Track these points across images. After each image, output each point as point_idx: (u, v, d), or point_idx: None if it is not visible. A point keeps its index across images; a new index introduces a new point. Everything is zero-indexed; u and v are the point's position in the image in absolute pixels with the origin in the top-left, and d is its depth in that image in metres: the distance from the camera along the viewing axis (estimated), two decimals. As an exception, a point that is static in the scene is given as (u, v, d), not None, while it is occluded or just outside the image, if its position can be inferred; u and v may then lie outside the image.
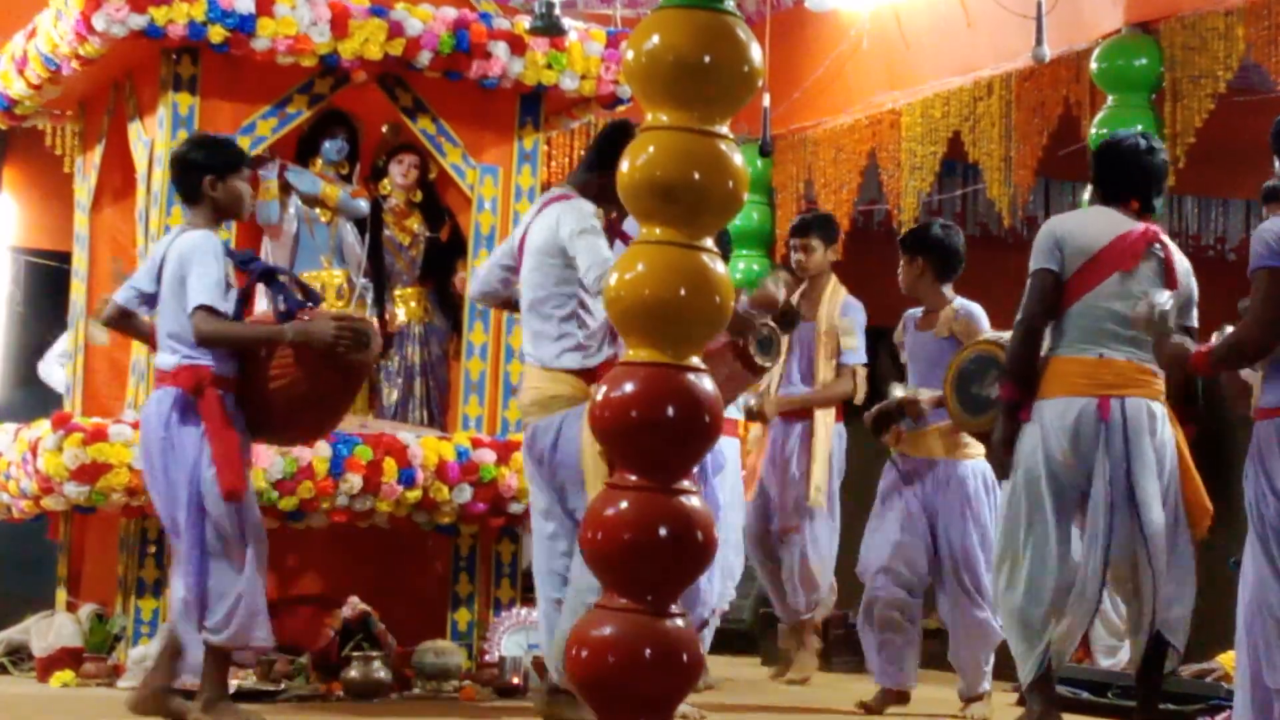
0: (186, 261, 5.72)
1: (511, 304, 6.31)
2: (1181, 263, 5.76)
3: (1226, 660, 7.37)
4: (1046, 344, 5.73)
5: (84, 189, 8.27)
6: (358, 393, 6.31)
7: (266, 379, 5.72)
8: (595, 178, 5.95)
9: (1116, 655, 7.96)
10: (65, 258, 8.63)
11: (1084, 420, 5.57)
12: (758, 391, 8.16)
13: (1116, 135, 6.01)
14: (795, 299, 8.20)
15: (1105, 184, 5.83)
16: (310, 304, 5.85)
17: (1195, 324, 5.75)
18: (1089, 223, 5.78)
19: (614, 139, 5.93)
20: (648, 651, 4.44)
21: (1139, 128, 6.20)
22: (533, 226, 5.96)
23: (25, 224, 11.58)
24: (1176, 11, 8.91)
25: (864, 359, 8.11)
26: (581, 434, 5.66)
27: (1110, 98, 9.14)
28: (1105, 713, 6.95)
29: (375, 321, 6.11)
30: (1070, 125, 9.63)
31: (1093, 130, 9.33)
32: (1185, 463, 5.75)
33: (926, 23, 10.33)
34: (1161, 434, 5.65)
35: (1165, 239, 5.75)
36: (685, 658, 4.51)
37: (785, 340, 7.05)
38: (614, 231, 6.07)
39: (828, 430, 8.15)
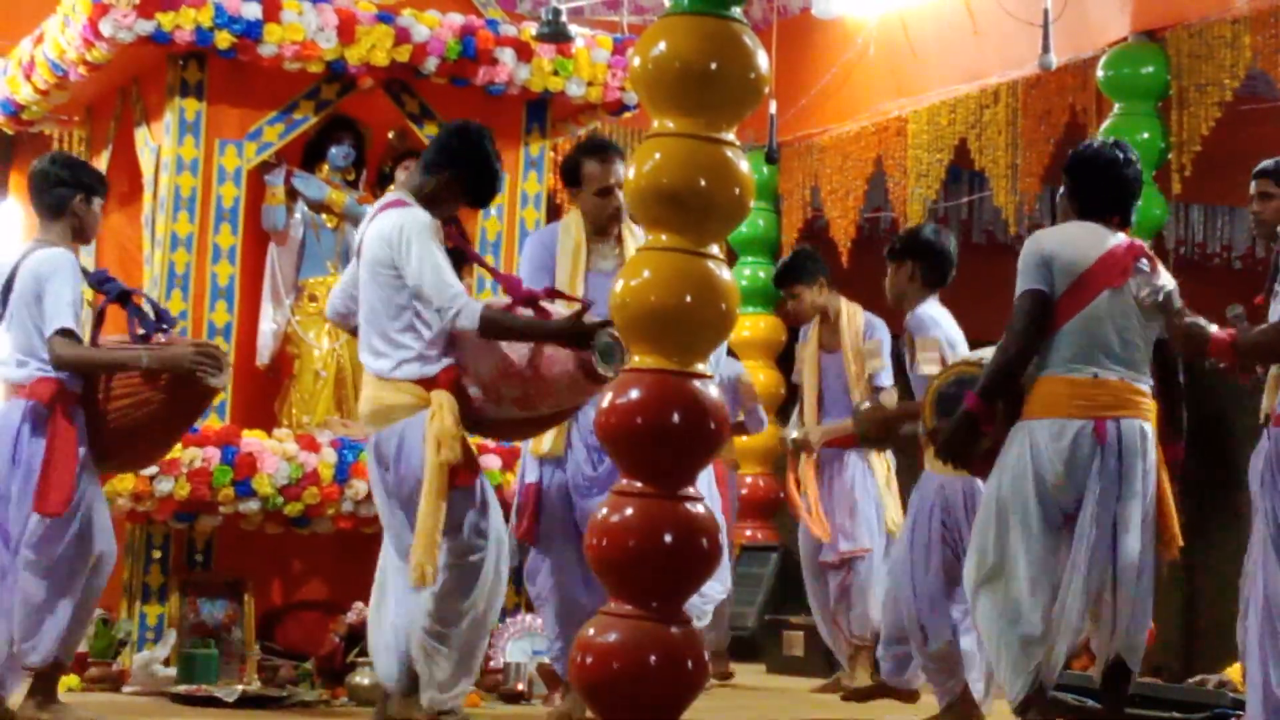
0: (43, 279, 5.71)
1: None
2: (1165, 277, 5.62)
3: (1236, 673, 7.37)
4: (1036, 363, 5.55)
5: (90, 194, 8.27)
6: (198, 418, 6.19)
7: (107, 399, 5.71)
8: (432, 180, 5.77)
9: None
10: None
11: (1080, 442, 5.42)
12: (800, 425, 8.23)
13: (1090, 146, 5.83)
14: (811, 329, 8.28)
15: (1084, 198, 5.66)
16: (165, 327, 5.85)
17: None
18: (1075, 240, 5.58)
19: (453, 138, 5.82)
20: (653, 658, 4.44)
21: (1112, 139, 5.97)
22: (366, 236, 5.76)
23: (32, 229, 11.55)
24: (1183, 20, 8.91)
25: (891, 379, 8.02)
26: (425, 443, 5.53)
27: (1117, 105, 9.13)
28: (1110, 721, 6.93)
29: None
30: (1077, 133, 9.62)
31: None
32: (1163, 487, 5.64)
33: (933, 30, 10.32)
34: (1150, 457, 5.54)
35: (1150, 253, 5.64)
36: (690, 664, 4.51)
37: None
38: (452, 236, 5.94)
39: (880, 456, 8.15)
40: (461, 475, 5.57)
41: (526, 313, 5.66)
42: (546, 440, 6.15)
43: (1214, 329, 5.36)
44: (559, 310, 5.71)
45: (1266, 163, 6.21)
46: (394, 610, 5.70)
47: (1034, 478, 5.43)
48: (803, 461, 8.18)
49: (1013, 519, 5.46)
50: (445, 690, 5.65)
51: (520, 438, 6.31)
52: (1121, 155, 5.70)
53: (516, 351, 5.64)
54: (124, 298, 5.91)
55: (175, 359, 5.67)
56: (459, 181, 5.78)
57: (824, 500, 8.15)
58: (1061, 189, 5.77)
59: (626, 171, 4.73)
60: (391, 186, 8.06)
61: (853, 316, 8.15)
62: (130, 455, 5.97)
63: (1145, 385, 5.55)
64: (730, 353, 9.06)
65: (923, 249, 6.83)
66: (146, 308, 5.90)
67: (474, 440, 7.33)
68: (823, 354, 8.27)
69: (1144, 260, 5.55)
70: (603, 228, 6.30)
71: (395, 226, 5.62)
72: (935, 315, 6.72)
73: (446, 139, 5.85)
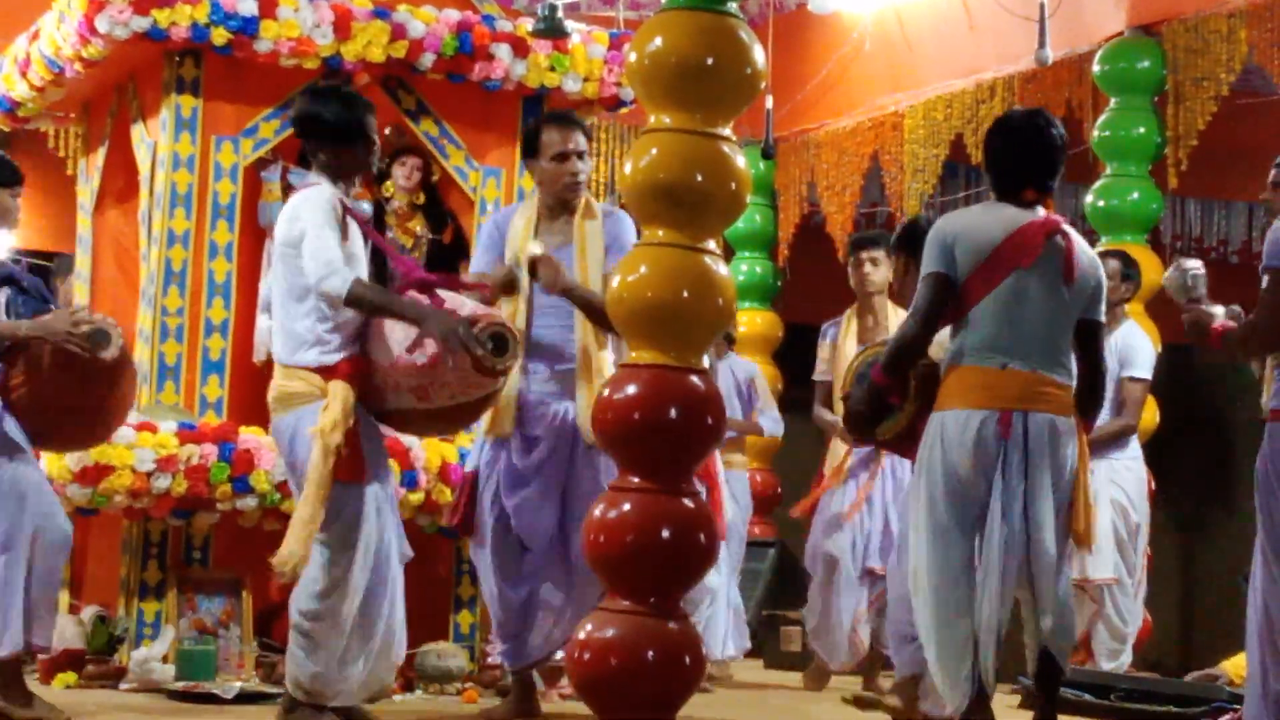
0: None
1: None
2: (1084, 253, 5.38)
3: (1230, 666, 7.38)
4: (948, 352, 5.40)
5: (87, 191, 8.27)
6: (124, 394, 6.03)
7: (8, 377, 5.72)
8: (331, 157, 5.72)
9: (1119, 658, 7.97)
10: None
11: (984, 434, 5.23)
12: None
13: (1008, 116, 5.63)
14: (847, 321, 7.96)
15: (996, 172, 5.43)
16: (52, 308, 5.90)
17: (1102, 318, 5.44)
18: (981, 220, 5.37)
19: (296, 112, 5.83)
20: (650, 653, 4.45)
21: (1033, 109, 5.77)
22: (278, 220, 5.77)
23: (28, 226, 11.58)
24: (1179, 14, 8.91)
25: None
26: (313, 431, 5.49)
27: (1113, 100, 9.15)
28: (1107, 715, 6.94)
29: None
30: (1073, 128, 9.60)
31: (1095, 133, 9.33)
32: (1079, 485, 5.38)
33: (929, 25, 10.33)
34: (1063, 452, 5.31)
35: (1068, 228, 5.38)
36: (688, 660, 4.51)
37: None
38: (350, 212, 5.87)
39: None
40: (345, 470, 5.50)
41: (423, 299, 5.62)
42: (501, 423, 6.12)
43: (1219, 314, 5.33)
44: (461, 300, 5.67)
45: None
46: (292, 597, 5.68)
47: (944, 471, 5.28)
48: (843, 453, 7.96)
49: (926, 518, 5.32)
50: (304, 686, 5.61)
51: (433, 434, 6.30)
52: (1036, 125, 5.44)
53: (405, 342, 5.58)
54: (7, 280, 5.95)
55: (47, 326, 5.70)
56: (323, 148, 5.73)
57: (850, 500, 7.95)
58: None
59: (623, 167, 4.72)
60: (388, 183, 8.06)
61: (894, 310, 7.87)
62: (57, 434, 5.95)
63: (1062, 377, 5.33)
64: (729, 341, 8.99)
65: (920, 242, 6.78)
66: (33, 292, 5.95)
67: (473, 435, 7.32)
68: (860, 349, 7.96)
69: (1058, 237, 5.31)
70: (561, 200, 6.20)
71: (295, 205, 5.65)
72: None
73: (294, 116, 5.87)
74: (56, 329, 5.69)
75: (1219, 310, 5.52)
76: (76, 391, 5.82)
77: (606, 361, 6.19)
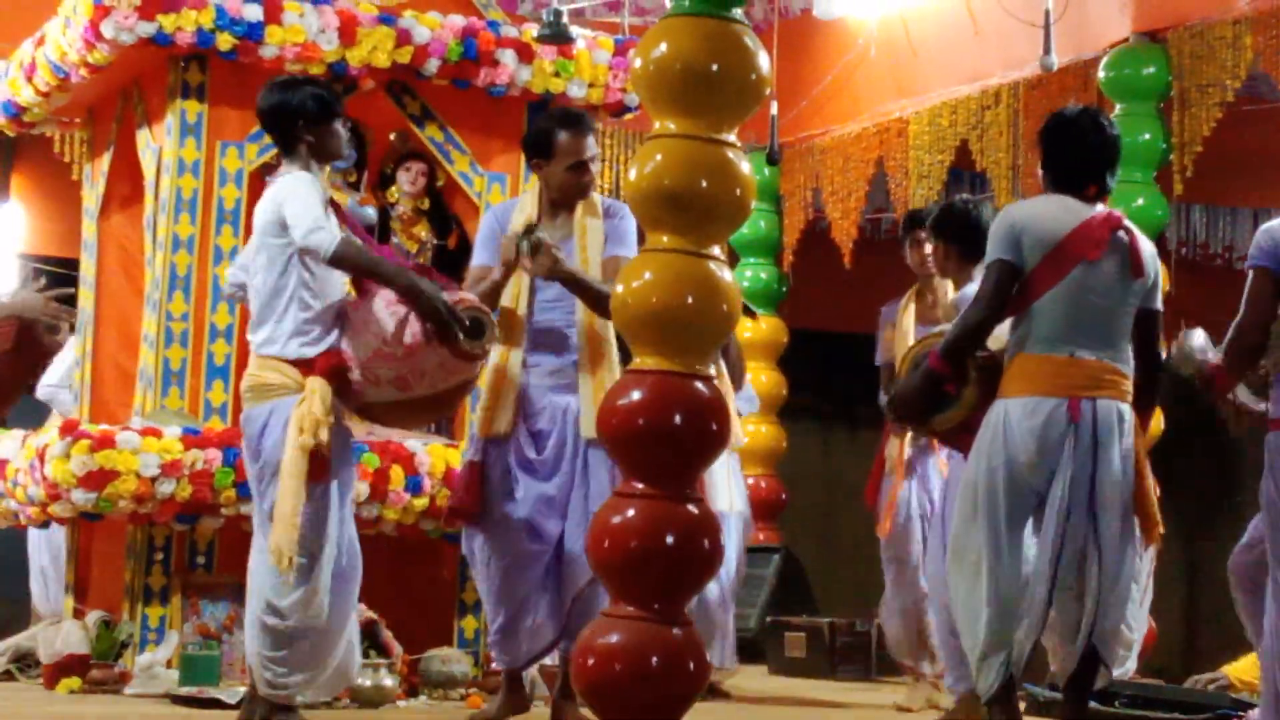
0: None
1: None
2: (1147, 248, 5.50)
3: (1233, 671, 7.38)
4: (1011, 341, 5.45)
5: (92, 196, 8.28)
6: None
7: None
8: (314, 138, 5.77)
9: (1124, 664, 7.96)
10: (73, 265, 8.64)
11: (1052, 422, 5.29)
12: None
13: (1064, 113, 5.69)
14: (905, 302, 7.69)
15: (1058, 168, 5.53)
16: None
17: (1160, 307, 5.52)
18: (1048, 211, 5.45)
19: (316, 90, 5.84)
20: (655, 659, 4.45)
21: (1091, 106, 5.84)
22: (256, 209, 5.78)
23: (33, 231, 11.60)
24: (1184, 20, 8.91)
25: None
26: (289, 427, 5.49)
27: (1118, 106, 9.14)
28: (1112, 722, 6.94)
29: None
30: (1078, 134, 9.62)
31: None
32: (1143, 471, 5.47)
33: (934, 31, 10.32)
34: (1127, 439, 5.39)
35: (1128, 223, 5.49)
36: (693, 666, 4.51)
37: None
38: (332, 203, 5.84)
39: None
40: (314, 469, 5.50)
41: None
42: (498, 421, 6.10)
43: (1213, 358, 5.38)
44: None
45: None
46: (249, 595, 5.63)
47: (1006, 458, 5.31)
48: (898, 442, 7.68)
49: (983, 503, 5.34)
50: (276, 683, 5.60)
51: (410, 425, 6.29)
52: (1095, 121, 5.57)
53: (385, 333, 5.58)
54: None
55: (25, 303, 5.69)
56: (307, 131, 5.76)
57: (916, 496, 7.69)
58: (1040, 161, 5.64)
59: (627, 173, 4.73)
60: (393, 189, 8.07)
61: (949, 289, 7.78)
62: None
63: (1125, 366, 5.42)
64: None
65: (964, 225, 6.77)
66: None
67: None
68: (920, 328, 7.61)
69: (1121, 232, 5.42)
70: (565, 202, 6.21)
71: (275, 189, 5.67)
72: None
73: (265, 108, 5.85)
74: (34, 306, 5.68)
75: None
76: (24, 369, 5.78)
77: (614, 349, 6.17)
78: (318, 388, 5.53)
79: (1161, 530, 5.54)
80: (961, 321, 5.53)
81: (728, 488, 7.70)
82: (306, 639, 5.59)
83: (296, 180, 5.65)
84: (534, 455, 6.14)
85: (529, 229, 6.03)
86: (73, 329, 5.80)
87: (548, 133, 6.17)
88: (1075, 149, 5.53)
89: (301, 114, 5.73)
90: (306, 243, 5.52)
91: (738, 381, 7.77)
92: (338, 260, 5.53)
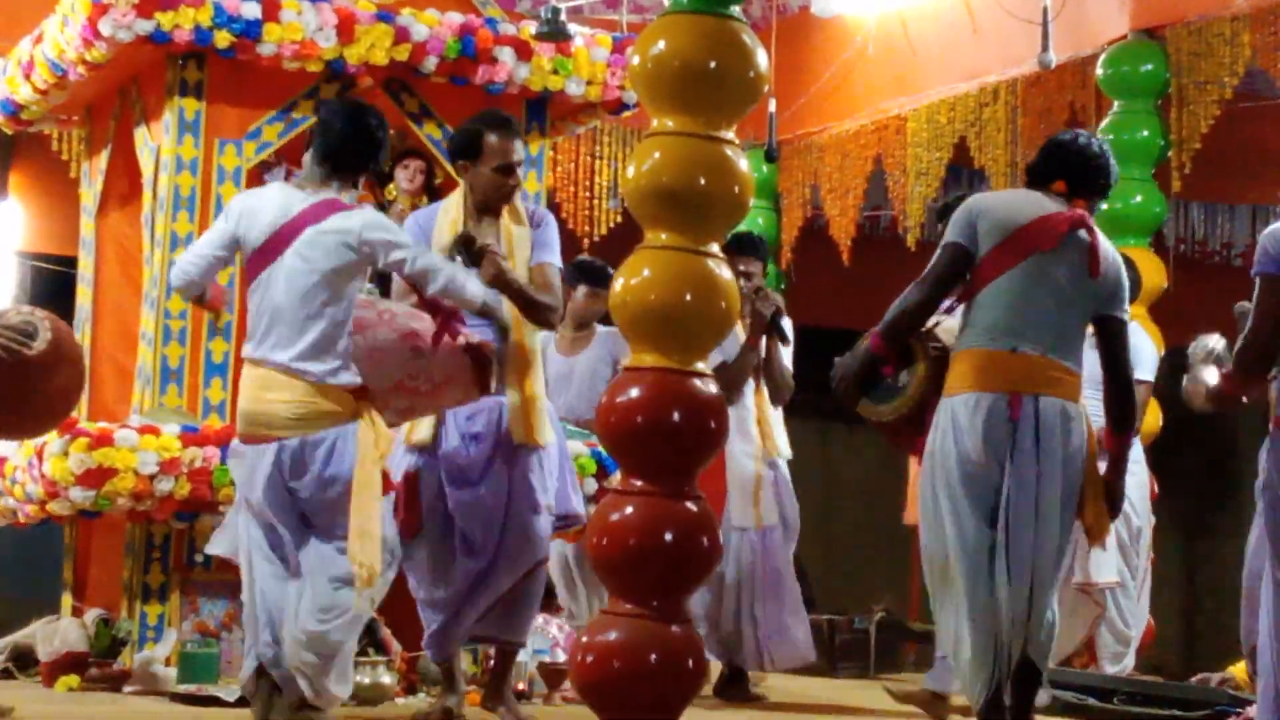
0: None
1: (203, 299, 5.94)
2: (1107, 250, 5.40)
3: (1239, 671, 7.38)
4: (958, 335, 5.37)
5: (90, 194, 8.28)
6: (60, 388, 5.78)
7: None
8: (357, 174, 5.74)
9: (1122, 661, 7.97)
10: (71, 263, 8.64)
11: (994, 417, 5.18)
12: None
13: (1062, 134, 5.65)
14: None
15: (1033, 169, 5.50)
16: None
17: (1125, 316, 5.46)
18: (1010, 201, 5.43)
19: (320, 125, 5.76)
20: (653, 657, 4.45)
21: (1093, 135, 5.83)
22: (310, 231, 5.55)
23: (31, 229, 11.60)
24: (1183, 18, 8.91)
25: None
26: (361, 451, 5.48)
27: (1116, 103, 9.15)
28: (1110, 718, 6.94)
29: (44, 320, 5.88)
30: (1076, 131, 9.63)
31: (1099, 136, 9.33)
32: (1094, 473, 5.36)
33: (932, 29, 10.33)
34: (1075, 439, 5.27)
35: (1092, 224, 5.38)
36: (691, 663, 4.51)
37: None
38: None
39: None
40: (386, 484, 5.61)
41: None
42: (421, 428, 6.11)
43: (1211, 379, 5.37)
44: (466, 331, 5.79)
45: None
46: (302, 610, 5.57)
47: (959, 455, 5.22)
48: None
49: (944, 506, 5.24)
50: (323, 693, 5.61)
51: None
52: (1083, 137, 5.53)
53: (404, 366, 5.63)
54: None
55: None
56: (355, 167, 5.73)
57: None
58: None
59: (626, 170, 4.73)
60: (391, 186, 8.06)
61: None
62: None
63: (1073, 365, 5.30)
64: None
65: None
66: None
67: None
68: None
69: (1083, 231, 5.33)
70: (490, 207, 6.18)
71: (357, 216, 5.57)
72: None
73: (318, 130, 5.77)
74: None
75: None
76: (5, 384, 5.79)
77: (539, 357, 6.25)
78: (374, 414, 5.56)
79: (1105, 536, 5.46)
80: (900, 301, 5.43)
81: (775, 500, 7.71)
82: (345, 649, 5.64)
83: (376, 213, 5.68)
84: (466, 460, 6.13)
85: (466, 238, 6.00)
86: (41, 336, 5.77)
87: (476, 134, 6.13)
88: (1053, 152, 5.48)
89: (374, 152, 5.74)
90: (468, 294, 5.59)
91: (777, 398, 7.80)
92: (485, 310, 5.69)
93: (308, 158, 5.72)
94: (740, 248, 7.50)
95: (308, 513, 5.59)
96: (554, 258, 6.18)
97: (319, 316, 5.54)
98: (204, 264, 5.75)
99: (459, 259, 5.94)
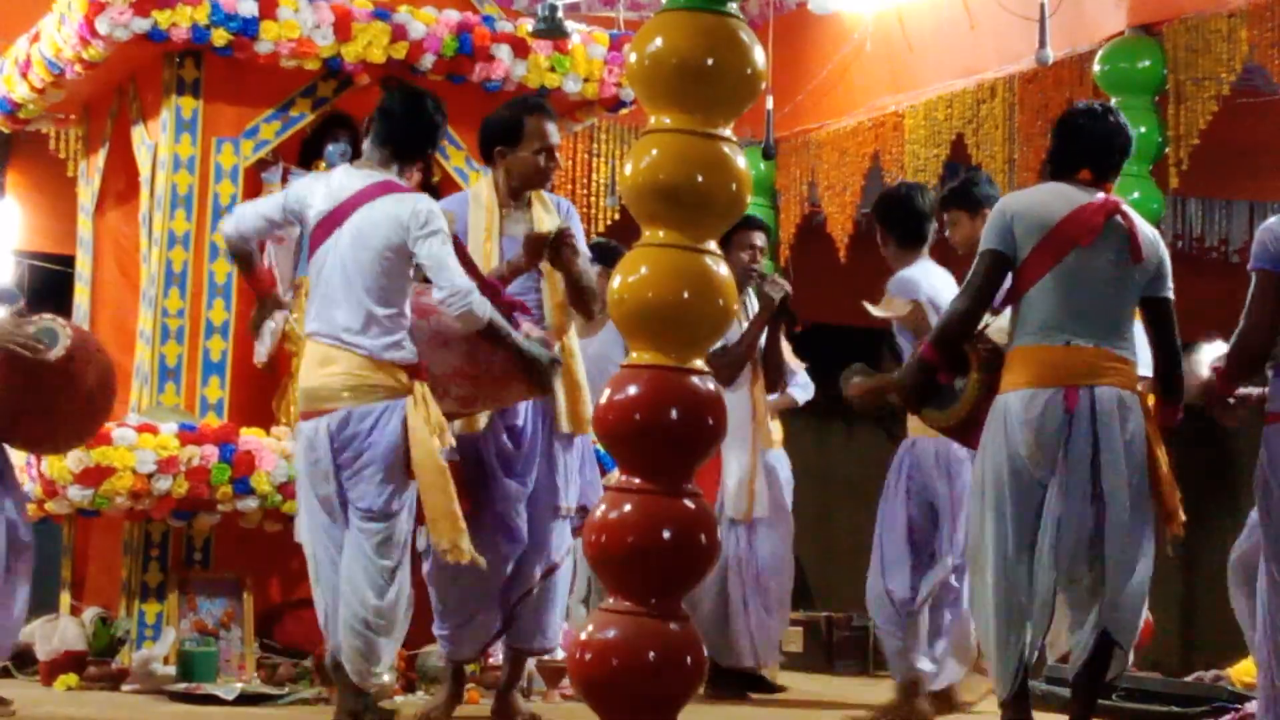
0: None
1: (251, 265, 5.99)
2: (1146, 232, 5.42)
3: (1237, 672, 7.37)
4: (1010, 334, 5.40)
5: (87, 193, 8.28)
6: (85, 393, 5.96)
7: None
8: (415, 161, 5.89)
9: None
10: (69, 261, 8.65)
11: (1049, 412, 5.23)
12: None
13: (1073, 107, 5.70)
14: None
15: (1056, 157, 5.50)
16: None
17: (1170, 294, 5.48)
18: (1041, 199, 5.41)
19: (383, 113, 5.88)
20: (651, 654, 4.44)
21: (1100, 102, 5.82)
22: (365, 212, 5.67)
23: (29, 227, 11.59)
24: (1179, 14, 8.91)
25: None
26: (411, 428, 5.55)
27: (1113, 100, 9.13)
28: (1109, 715, 6.94)
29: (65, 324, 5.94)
30: (1073, 128, 9.62)
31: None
32: (1157, 459, 5.40)
33: (929, 25, 10.33)
34: (1133, 426, 5.30)
35: (1127, 209, 5.40)
36: (689, 660, 4.51)
37: None
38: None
39: None
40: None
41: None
42: (478, 418, 6.13)
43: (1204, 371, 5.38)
44: (529, 325, 5.86)
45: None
46: (347, 596, 5.64)
47: (1009, 452, 5.26)
48: None
49: (988, 499, 5.30)
50: (373, 678, 5.69)
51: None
52: (1098, 109, 5.55)
53: (467, 354, 5.68)
54: None
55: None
56: (416, 151, 5.88)
57: None
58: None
59: (623, 168, 4.73)
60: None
61: None
62: (20, 433, 5.99)
63: (1126, 352, 5.34)
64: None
65: (983, 200, 6.81)
66: None
67: None
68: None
69: (1119, 217, 5.35)
70: (527, 190, 6.25)
71: (412, 212, 5.63)
72: None
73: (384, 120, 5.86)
74: (4, 333, 5.70)
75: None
76: (29, 392, 5.81)
77: (577, 347, 6.32)
78: (426, 393, 5.60)
79: (1183, 519, 5.52)
80: (949, 310, 5.52)
81: (766, 491, 7.72)
82: (395, 634, 5.69)
83: (430, 207, 5.69)
84: (511, 450, 6.16)
85: (561, 232, 6.09)
86: (60, 341, 5.79)
87: (515, 118, 6.20)
88: (1072, 137, 5.49)
89: (433, 138, 5.88)
90: (466, 305, 5.57)
91: (774, 385, 7.81)
92: (484, 330, 5.65)
93: (368, 143, 5.86)
94: (749, 223, 7.49)
95: (347, 487, 5.64)
96: (585, 247, 6.27)
97: (372, 292, 5.63)
98: (254, 219, 5.87)
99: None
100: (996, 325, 5.53)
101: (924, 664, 6.75)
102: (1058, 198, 5.39)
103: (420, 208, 5.66)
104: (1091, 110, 5.56)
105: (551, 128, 6.22)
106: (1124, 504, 5.27)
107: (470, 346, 5.70)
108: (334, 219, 5.71)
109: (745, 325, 7.53)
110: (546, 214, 6.27)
